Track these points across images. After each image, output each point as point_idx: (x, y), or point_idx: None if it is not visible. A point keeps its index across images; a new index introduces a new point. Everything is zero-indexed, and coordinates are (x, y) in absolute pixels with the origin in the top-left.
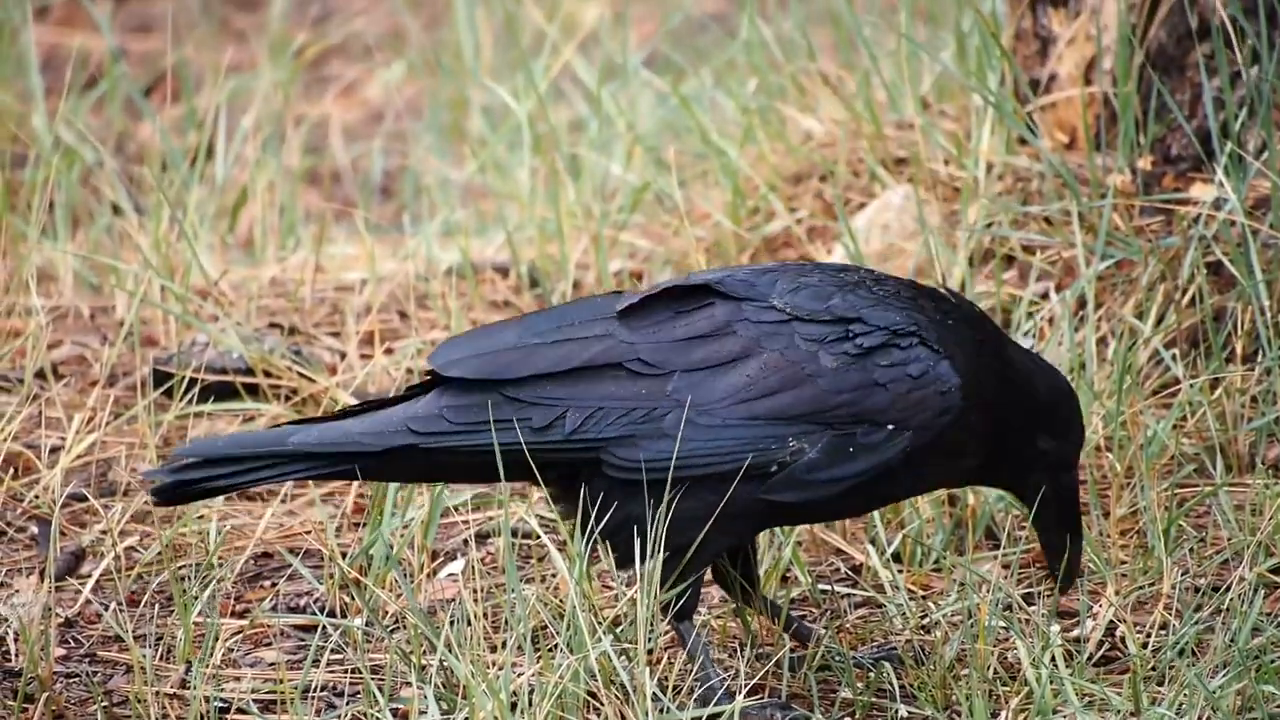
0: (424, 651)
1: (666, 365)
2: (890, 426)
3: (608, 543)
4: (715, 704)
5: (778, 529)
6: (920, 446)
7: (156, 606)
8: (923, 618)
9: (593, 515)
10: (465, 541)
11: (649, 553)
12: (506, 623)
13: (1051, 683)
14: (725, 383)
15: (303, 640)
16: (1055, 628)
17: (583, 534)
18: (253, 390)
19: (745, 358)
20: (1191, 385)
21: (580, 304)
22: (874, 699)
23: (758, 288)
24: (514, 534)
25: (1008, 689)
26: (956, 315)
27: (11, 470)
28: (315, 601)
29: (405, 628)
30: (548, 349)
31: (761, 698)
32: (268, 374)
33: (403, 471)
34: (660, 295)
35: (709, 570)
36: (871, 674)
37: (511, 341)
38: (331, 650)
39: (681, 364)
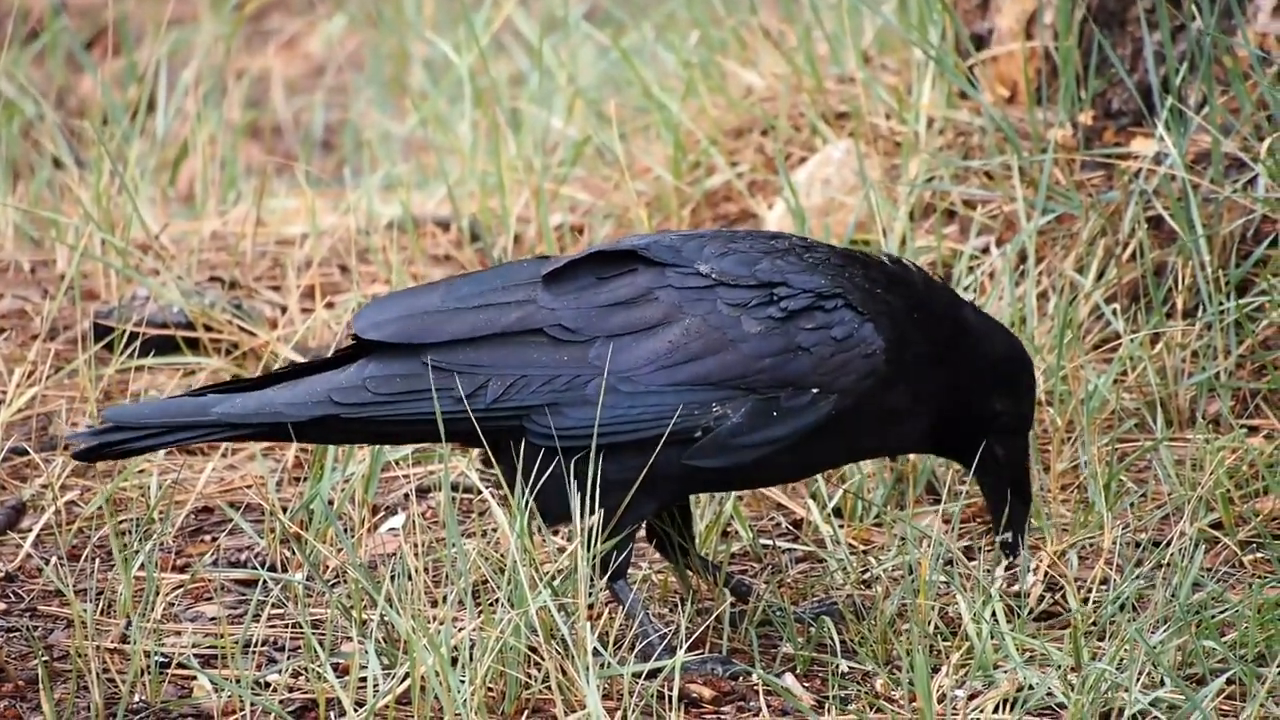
0: (365, 606)
1: (588, 331)
2: (814, 390)
3: (541, 505)
4: (656, 659)
5: None
6: (847, 410)
7: (97, 561)
8: (863, 573)
9: (521, 478)
10: (406, 496)
11: (585, 511)
12: (447, 577)
13: (992, 638)
14: (647, 348)
15: (243, 595)
16: (999, 571)
17: (518, 494)
18: (193, 344)
19: (667, 324)
20: (1132, 340)
21: (506, 268)
22: (815, 654)
23: (683, 253)
24: (454, 489)
25: (948, 644)
26: (889, 281)
27: None
28: (256, 556)
29: (346, 582)
30: (469, 313)
31: (702, 653)
32: (208, 328)
33: (331, 437)
34: (584, 260)
35: (643, 529)
36: (812, 629)
37: (435, 305)
38: (272, 605)
39: (603, 330)
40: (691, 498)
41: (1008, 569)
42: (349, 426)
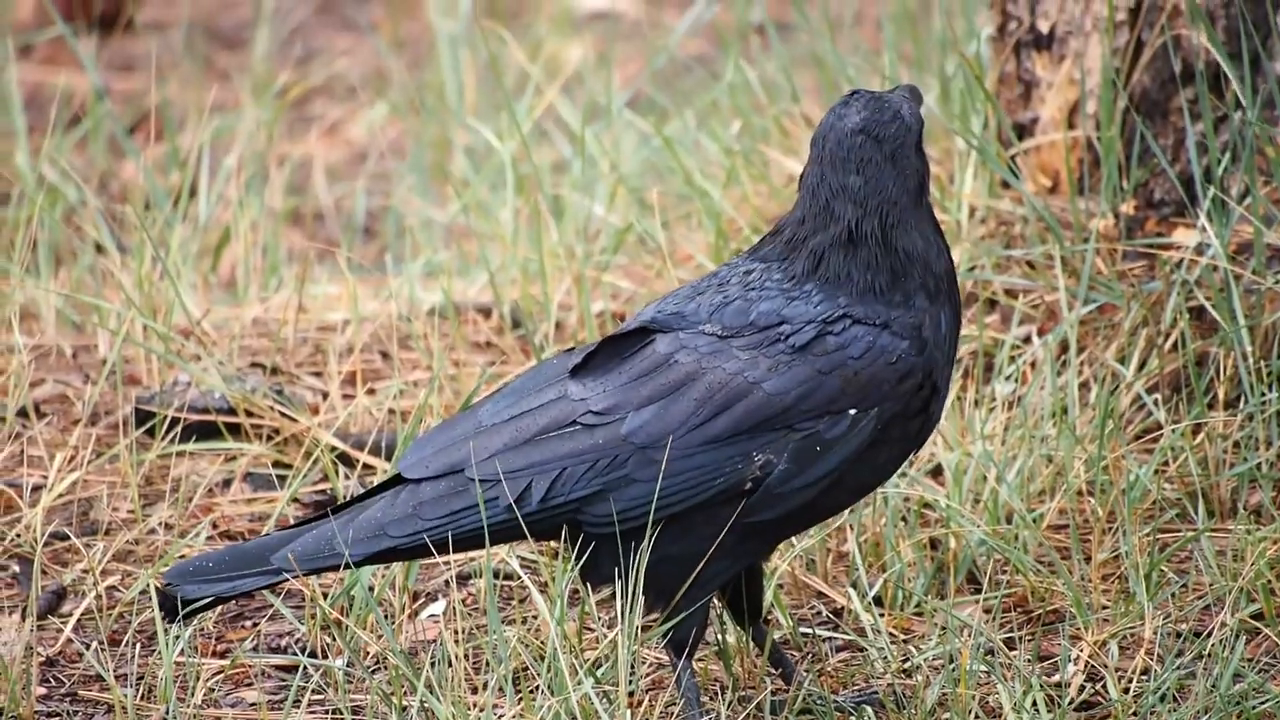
0: (405, 692)
1: (617, 410)
2: (852, 412)
3: (600, 588)
4: None
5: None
6: (896, 417)
7: (138, 646)
8: (904, 661)
9: (582, 561)
10: (446, 582)
11: (630, 594)
12: (488, 664)
13: None
14: (676, 411)
15: (284, 680)
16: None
17: (580, 582)
18: (235, 430)
19: (691, 382)
20: (1174, 430)
21: (534, 372)
22: None
23: (686, 316)
24: (495, 575)
25: None
26: (863, 270)
27: None
28: (296, 642)
29: (386, 668)
30: (504, 426)
31: None
32: (250, 413)
33: (392, 559)
34: (602, 346)
35: (713, 601)
36: (853, 717)
37: (471, 429)
38: (313, 691)
39: (632, 404)
40: (762, 567)
41: (1044, 655)
42: (408, 553)
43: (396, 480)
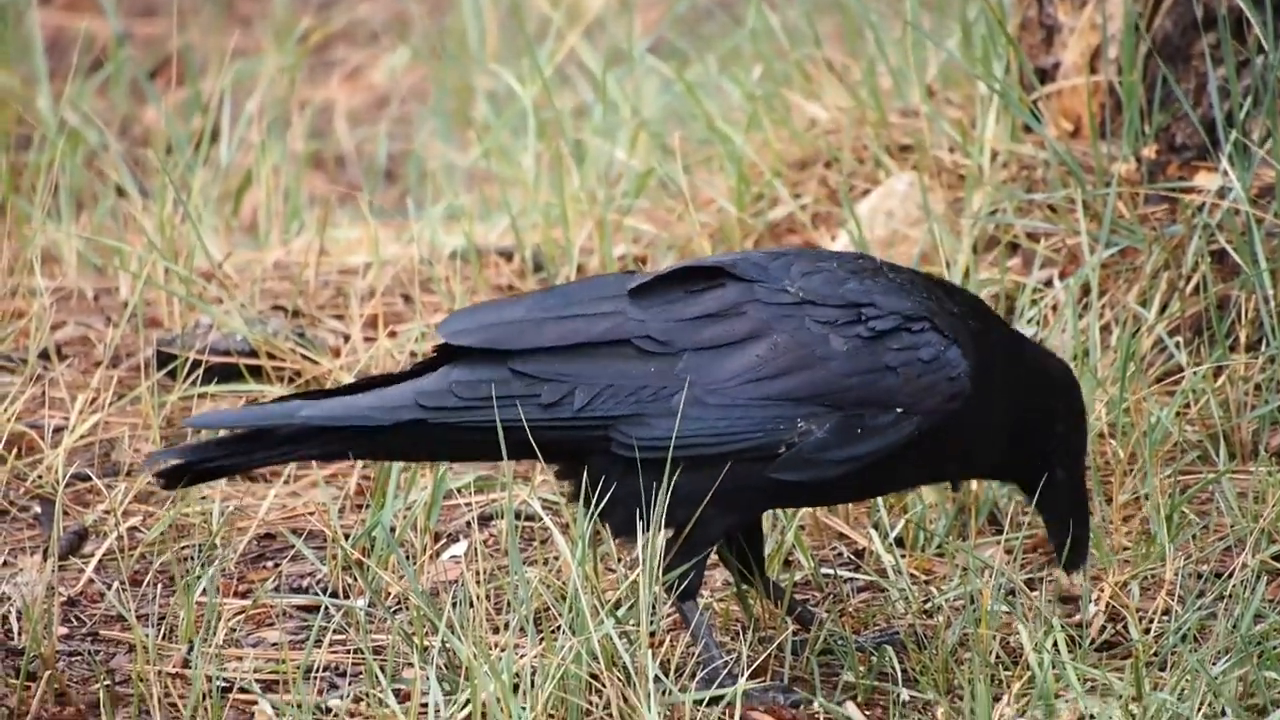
0: (426, 633)
1: (676, 344)
2: (899, 410)
3: (611, 523)
4: (718, 686)
5: (781, 511)
6: (928, 432)
7: (159, 586)
8: (925, 602)
9: (595, 494)
10: (468, 523)
11: (650, 531)
12: (509, 604)
13: (1054, 668)
14: (735, 363)
15: (305, 621)
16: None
17: (586, 513)
18: (256, 372)
19: (755, 338)
20: (1195, 373)
21: (591, 282)
22: (876, 683)
23: (770, 271)
24: (517, 516)
25: (1010, 674)
26: (966, 308)
27: (15, 450)
28: (318, 582)
29: (408, 609)
30: (555, 323)
31: (764, 680)
32: (271, 356)
33: (408, 448)
34: (671, 275)
35: (714, 552)
36: (874, 658)
37: (521, 315)
38: (334, 631)
39: (691, 343)
40: (761, 520)
41: (1065, 596)
42: (432, 434)
43: (420, 371)
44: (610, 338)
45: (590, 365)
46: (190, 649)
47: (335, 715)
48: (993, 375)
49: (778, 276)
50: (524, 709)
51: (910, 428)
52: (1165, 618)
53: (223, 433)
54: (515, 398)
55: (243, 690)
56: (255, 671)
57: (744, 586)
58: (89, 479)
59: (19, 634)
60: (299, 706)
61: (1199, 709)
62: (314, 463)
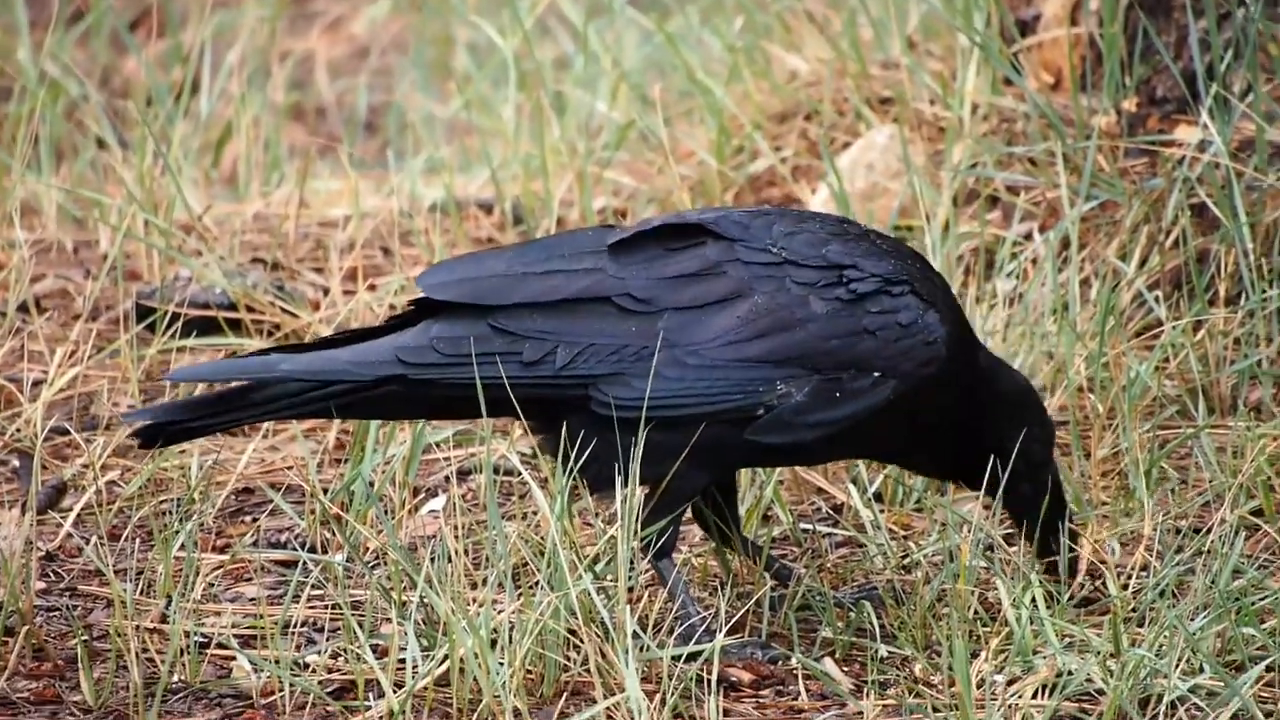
0: (404, 588)
1: (657, 303)
2: (877, 374)
3: (588, 478)
4: (695, 642)
5: (760, 469)
6: (904, 396)
7: (137, 541)
8: (903, 558)
9: (574, 451)
10: (446, 478)
11: (628, 488)
12: (487, 560)
13: (1032, 623)
14: (715, 323)
15: (283, 576)
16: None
17: (564, 470)
18: (235, 325)
19: (735, 299)
20: (1174, 327)
21: (571, 236)
22: (854, 638)
23: (751, 230)
24: (495, 471)
25: (988, 629)
26: (943, 284)
27: None
28: (296, 537)
29: (386, 564)
30: (536, 279)
31: (742, 636)
32: (250, 309)
33: (386, 404)
34: (652, 232)
35: (689, 509)
36: (852, 613)
37: (501, 269)
38: (312, 586)
39: (672, 302)
40: (737, 478)
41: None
42: (411, 389)
43: (399, 326)
44: (590, 295)
45: (571, 323)
46: (168, 604)
47: (313, 670)
48: (964, 352)
49: (759, 236)
50: (502, 664)
51: (887, 391)
52: (1144, 573)
53: (200, 389)
54: (496, 355)
55: (220, 645)
56: (233, 627)
57: (720, 545)
58: (68, 433)
59: None
60: (277, 662)
61: (1177, 665)
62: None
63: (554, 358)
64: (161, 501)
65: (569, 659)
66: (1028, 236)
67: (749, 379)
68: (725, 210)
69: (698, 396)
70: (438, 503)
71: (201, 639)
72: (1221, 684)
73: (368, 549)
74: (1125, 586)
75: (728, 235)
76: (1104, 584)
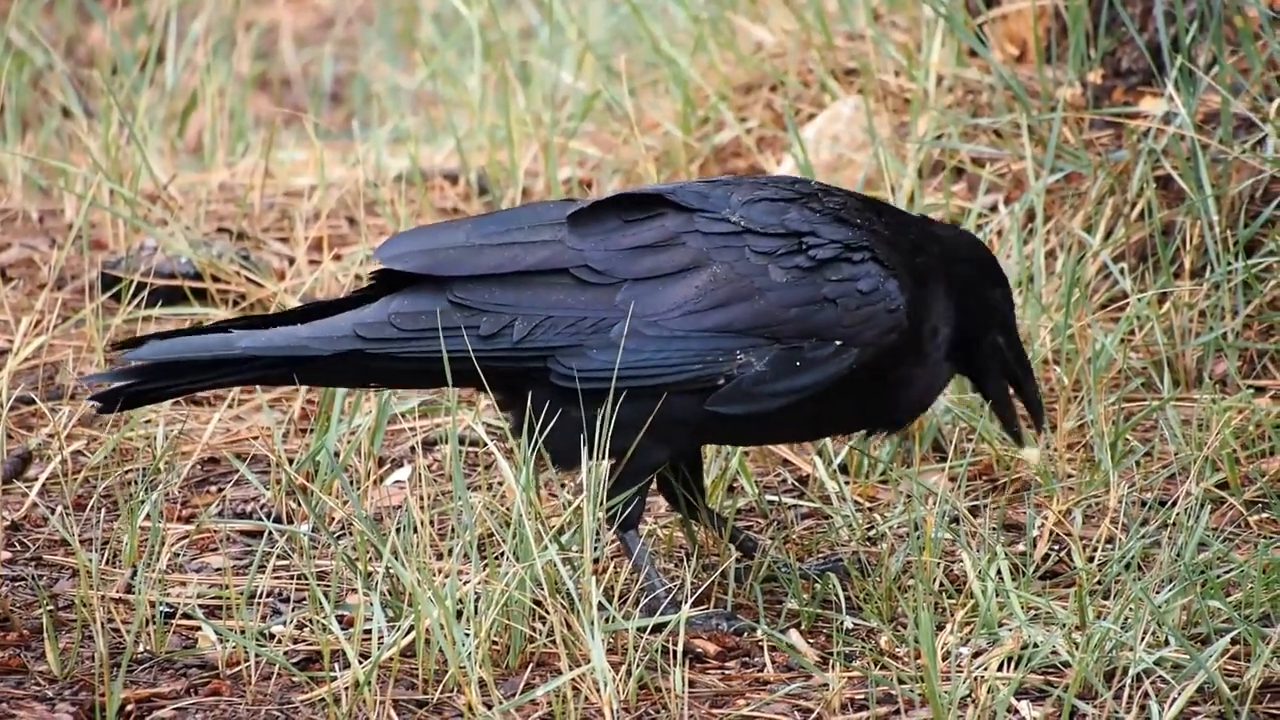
0: (370, 558)
1: (615, 274)
2: (838, 343)
3: (550, 450)
4: (660, 614)
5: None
6: (866, 365)
7: (103, 511)
8: (869, 529)
9: (538, 422)
10: (412, 448)
11: (593, 460)
12: (453, 530)
13: (997, 596)
14: (674, 294)
15: (249, 546)
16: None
17: (528, 441)
18: (201, 295)
19: (694, 269)
20: (1140, 299)
21: (530, 208)
22: (820, 610)
23: (710, 200)
24: (461, 441)
25: (953, 601)
26: (896, 224)
27: None
28: (261, 507)
29: (351, 534)
30: (494, 250)
31: (707, 608)
32: (216, 279)
33: (349, 376)
34: (610, 202)
35: (654, 481)
36: (817, 585)
37: (460, 240)
38: (277, 556)
39: (630, 273)
40: (701, 451)
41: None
42: (371, 363)
43: (358, 302)
44: (548, 266)
45: (529, 295)
46: (133, 574)
47: (279, 640)
48: (930, 300)
49: (718, 205)
50: (467, 635)
51: (849, 360)
52: (1109, 546)
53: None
54: (455, 329)
55: (186, 615)
56: (199, 597)
57: (685, 517)
58: (33, 402)
59: None
60: (242, 632)
61: (1142, 637)
62: (258, 387)
63: (511, 330)
64: (127, 471)
65: (535, 630)
66: (993, 208)
67: (708, 349)
68: (685, 182)
69: (657, 367)
70: (403, 473)
71: (167, 609)
72: (1187, 656)
73: (333, 519)
74: (1091, 559)
75: (687, 205)
76: (1069, 556)
